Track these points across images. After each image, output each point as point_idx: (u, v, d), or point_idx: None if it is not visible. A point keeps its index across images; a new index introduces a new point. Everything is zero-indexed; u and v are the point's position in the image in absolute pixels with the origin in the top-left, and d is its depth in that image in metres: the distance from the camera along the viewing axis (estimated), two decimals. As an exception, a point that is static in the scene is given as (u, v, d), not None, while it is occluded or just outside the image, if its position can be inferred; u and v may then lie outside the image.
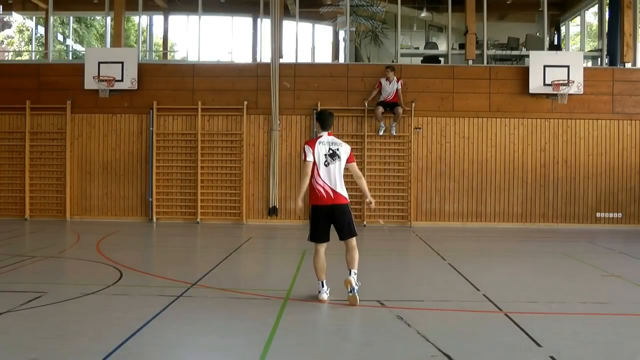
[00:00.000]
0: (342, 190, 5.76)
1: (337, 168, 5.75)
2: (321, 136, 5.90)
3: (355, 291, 5.57)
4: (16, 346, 4.26)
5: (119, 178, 13.63)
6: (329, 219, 5.78)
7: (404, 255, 10.03)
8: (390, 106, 12.92)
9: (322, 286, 5.79)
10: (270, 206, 13.34)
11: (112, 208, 13.67)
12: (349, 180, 6.19)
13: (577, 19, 17.02)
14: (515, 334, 4.76)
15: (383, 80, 12.90)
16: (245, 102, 13.39)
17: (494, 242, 11.32)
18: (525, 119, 13.41)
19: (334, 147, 5.80)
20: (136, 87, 13.43)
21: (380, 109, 12.85)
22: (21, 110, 13.61)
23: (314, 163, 5.72)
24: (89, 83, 13.36)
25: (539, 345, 4.43)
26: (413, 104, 13.21)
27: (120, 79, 13.31)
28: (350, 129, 13.45)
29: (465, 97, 13.41)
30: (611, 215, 13.36)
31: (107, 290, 6.14)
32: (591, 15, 17.66)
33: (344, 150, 5.84)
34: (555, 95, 13.19)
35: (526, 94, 13.32)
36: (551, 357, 4.15)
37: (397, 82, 12.87)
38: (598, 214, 13.39)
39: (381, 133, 13.13)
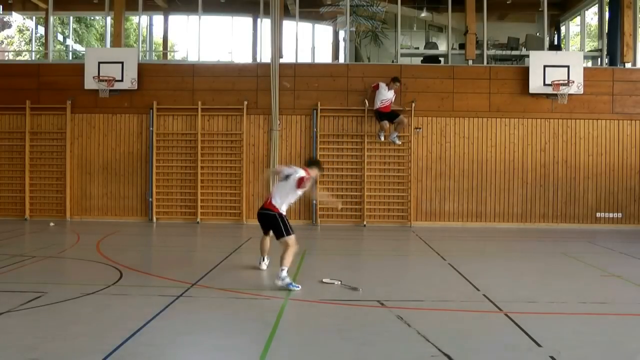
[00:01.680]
0: (276, 202, 6.89)
1: (283, 186, 6.94)
2: (295, 167, 7.21)
3: (280, 284, 6.39)
4: (16, 346, 4.26)
5: (119, 178, 13.64)
6: (261, 220, 7.12)
7: (404, 255, 10.03)
8: (390, 117, 12.82)
9: (263, 260, 7.56)
10: (270, 206, 13.31)
11: (112, 208, 13.68)
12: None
13: (577, 19, 17.03)
14: (515, 334, 4.76)
15: (382, 85, 12.77)
16: (245, 102, 13.40)
17: (494, 242, 11.32)
18: (525, 119, 13.41)
19: (290, 172, 7.02)
20: (136, 87, 13.43)
21: (386, 124, 12.80)
22: (21, 110, 13.62)
23: (279, 175, 7.12)
24: (89, 83, 13.37)
25: (539, 345, 4.43)
26: (413, 104, 13.22)
27: (120, 79, 13.33)
28: (350, 129, 13.45)
29: (465, 97, 13.42)
30: (611, 215, 13.37)
31: (107, 290, 6.14)
32: (591, 15, 17.67)
33: (296, 175, 6.92)
34: (555, 95, 13.20)
35: (526, 94, 13.32)
36: (551, 357, 4.15)
37: (394, 92, 12.84)
38: (598, 214, 13.40)
39: (382, 138, 13.11)
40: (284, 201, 6.97)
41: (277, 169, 7.19)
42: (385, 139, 13.13)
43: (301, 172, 7.02)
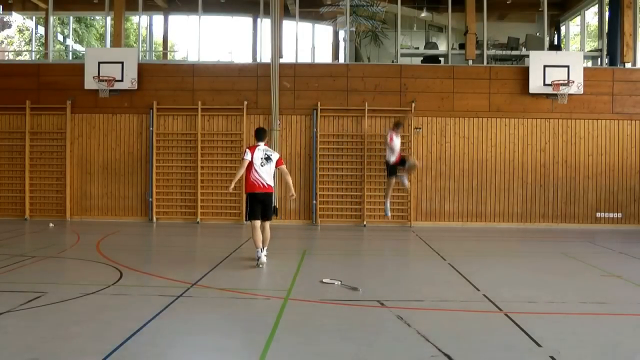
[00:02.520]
0: (270, 183, 7.91)
1: (269, 168, 7.87)
2: (259, 145, 7.91)
3: (264, 262, 7.70)
4: (16, 346, 4.26)
5: (119, 178, 13.64)
6: (261, 203, 7.86)
7: (404, 255, 10.03)
8: (401, 164, 11.98)
9: (261, 252, 7.74)
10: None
11: (112, 208, 13.68)
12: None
13: (577, 19, 17.02)
14: (515, 334, 4.76)
15: (392, 133, 11.89)
16: (245, 102, 13.40)
17: (494, 242, 11.32)
18: (525, 119, 13.41)
19: (268, 153, 7.90)
20: (136, 87, 13.44)
21: (394, 180, 11.97)
22: (21, 110, 13.62)
23: (251, 162, 7.78)
24: (89, 83, 13.38)
25: (539, 345, 4.43)
26: (413, 104, 13.22)
27: (120, 79, 13.33)
28: (350, 129, 13.45)
29: (465, 97, 13.42)
30: (611, 215, 13.37)
31: (107, 290, 6.14)
32: (591, 15, 17.65)
33: (274, 156, 7.95)
34: (555, 95, 13.21)
35: (526, 94, 13.33)
36: (551, 357, 4.15)
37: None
38: (598, 214, 13.40)
39: (406, 184, 12.48)
40: (272, 180, 7.99)
41: (246, 159, 7.80)
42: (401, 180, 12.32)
43: (275, 153, 8.04)
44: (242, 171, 7.84)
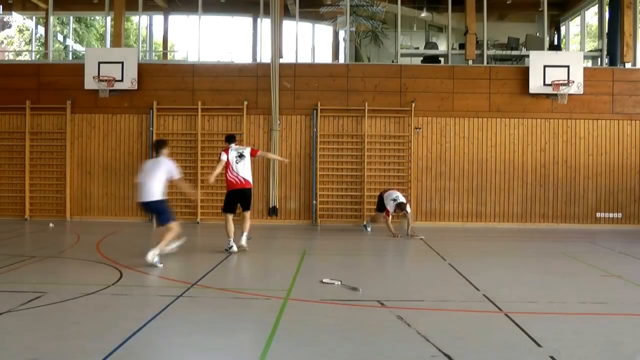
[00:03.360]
0: (248, 178, 8.71)
1: (244, 164, 8.65)
2: (231, 146, 8.80)
3: (245, 247, 8.73)
4: (16, 346, 4.26)
5: (119, 178, 13.63)
6: (237, 199, 8.76)
7: (404, 255, 10.02)
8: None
9: (232, 242, 8.71)
10: (270, 206, 13.34)
11: (112, 208, 13.67)
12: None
13: (577, 19, 17.02)
14: (515, 334, 4.76)
15: (392, 212, 11.16)
16: (245, 102, 13.40)
17: (494, 242, 11.31)
18: (525, 119, 13.41)
19: (240, 151, 8.72)
20: (136, 87, 13.43)
21: (390, 219, 11.23)
22: (21, 110, 13.62)
23: (228, 162, 8.61)
24: (89, 83, 13.37)
25: (539, 345, 4.42)
26: (413, 104, 13.22)
27: (120, 79, 13.33)
28: (350, 129, 13.45)
29: (465, 97, 13.42)
30: (611, 215, 13.37)
31: (107, 290, 6.13)
32: (591, 15, 17.65)
33: (247, 151, 8.76)
34: (555, 95, 13.21)
35: (526, 94, 13.33)
36: (551, 357, 4.15)
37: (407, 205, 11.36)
38: (598, 214, 13.40)
39: (369, 229, 11.99)
40: (250, 175, 8.75)
41: (223, 160, 8.67)
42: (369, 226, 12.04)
43: (247, 147, 8.98)
44: (220, 168, 8.67)
